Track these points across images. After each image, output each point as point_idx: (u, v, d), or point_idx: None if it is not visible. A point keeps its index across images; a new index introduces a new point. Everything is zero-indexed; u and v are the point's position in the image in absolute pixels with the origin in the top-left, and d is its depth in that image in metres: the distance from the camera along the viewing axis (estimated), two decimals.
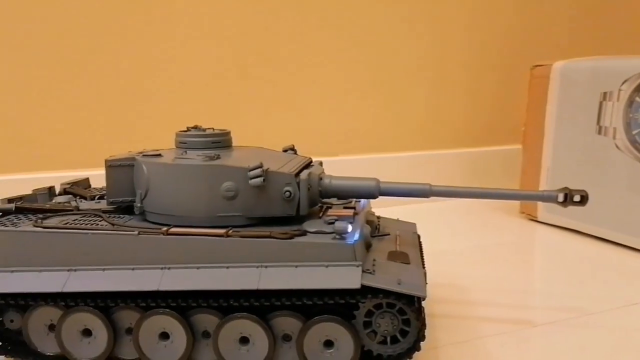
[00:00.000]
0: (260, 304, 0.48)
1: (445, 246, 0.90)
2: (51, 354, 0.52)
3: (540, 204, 1.02)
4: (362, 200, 0.62)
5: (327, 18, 1.09)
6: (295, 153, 0.63)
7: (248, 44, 1.03)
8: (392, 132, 1.19)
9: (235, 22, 1.01)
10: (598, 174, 0.91)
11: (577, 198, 0.54)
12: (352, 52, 1.12)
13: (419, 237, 0.65)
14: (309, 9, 1.07)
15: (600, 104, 0.90)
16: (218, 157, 0.52)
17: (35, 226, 0.51)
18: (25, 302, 0.51)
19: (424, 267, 0.54)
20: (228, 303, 0.48)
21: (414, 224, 0.68)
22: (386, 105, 1.17)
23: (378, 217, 0.66)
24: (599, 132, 0.91)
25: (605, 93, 0.89)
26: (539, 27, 1.27)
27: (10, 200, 0.57)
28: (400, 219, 0.68)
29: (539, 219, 1.03)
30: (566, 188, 0.54)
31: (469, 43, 1.22)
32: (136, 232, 0.49)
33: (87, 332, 0.51)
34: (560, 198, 0.54)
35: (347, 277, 0.46)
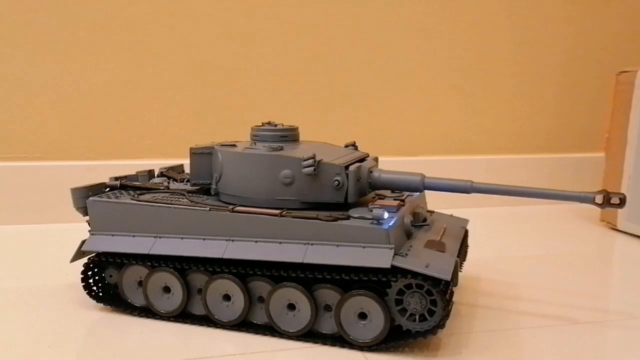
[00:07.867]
0: (305, 276, 0.55)
1: (513, 250, 0.92)
2: (139, 305, 0.63)
3: (620, 211, 1.00)
4: (415, 194, 0.67)
5: (413, 21, 1.14)
6: (356, 149, 0.69)
7: (339, 47, 1.11)
8: (476, 135, 1.21)
9: (323, 25, 1.10)
10: None
11: (615, 200, 0.56)
12: (438, 52, 1.16)
13: (466, 231, 0.69)
14: (393, 9, 1.12)
15: None
16: (281, 149, 0.60)
17: (132, 199, 0.63)
18: (121, 260, 0.62)
19: (459, 257, 0.58)
20: (279, 273, 0.56)
21: (466, 220, 0.72)
22: (473, 107, 1.20)
23: (431, 212, 0.71)
24: None
25: None
26: (633, 31, 1.23)
27: (117, 179, 0.70)
28: (453, 215, 0.72)
29: (619, 228, 1.01)
30: (604, 190, 0.56)
31: (559, 47, 1.21)
32: (208, 209, 0.59)
33: (167, 289, 0.61)
34: (598, 200, 0.56)
35: (379, 258, 0.52)
